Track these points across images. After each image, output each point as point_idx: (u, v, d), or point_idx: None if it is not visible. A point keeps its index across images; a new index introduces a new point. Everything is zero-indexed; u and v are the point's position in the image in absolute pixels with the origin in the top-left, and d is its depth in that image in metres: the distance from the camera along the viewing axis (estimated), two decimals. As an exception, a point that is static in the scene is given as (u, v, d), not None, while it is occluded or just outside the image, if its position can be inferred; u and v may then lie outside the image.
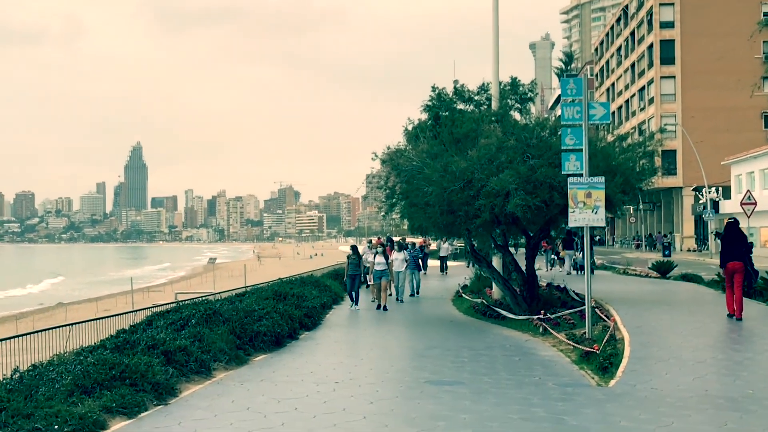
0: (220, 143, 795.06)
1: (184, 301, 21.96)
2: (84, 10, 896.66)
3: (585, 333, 15.96)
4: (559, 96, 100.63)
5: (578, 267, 36.16)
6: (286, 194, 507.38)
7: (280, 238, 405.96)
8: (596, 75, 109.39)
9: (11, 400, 10.00)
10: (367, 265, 26.90)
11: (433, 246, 51.92)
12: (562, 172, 16.62)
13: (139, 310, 23.21)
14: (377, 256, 25.01)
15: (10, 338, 16.87)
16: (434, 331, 19.67)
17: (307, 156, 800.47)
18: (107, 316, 22.12)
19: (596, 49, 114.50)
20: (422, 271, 34.36)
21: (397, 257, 26.53)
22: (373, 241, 33.08)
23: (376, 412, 10.52)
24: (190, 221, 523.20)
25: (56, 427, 9.46)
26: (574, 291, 23.67)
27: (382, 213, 25.99)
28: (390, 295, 25.34)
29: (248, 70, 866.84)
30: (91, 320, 21.07)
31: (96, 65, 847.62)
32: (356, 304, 24.85)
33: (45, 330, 18.44)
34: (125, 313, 22.76)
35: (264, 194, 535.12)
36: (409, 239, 37.68)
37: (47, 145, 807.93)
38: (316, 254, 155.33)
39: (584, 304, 17.09)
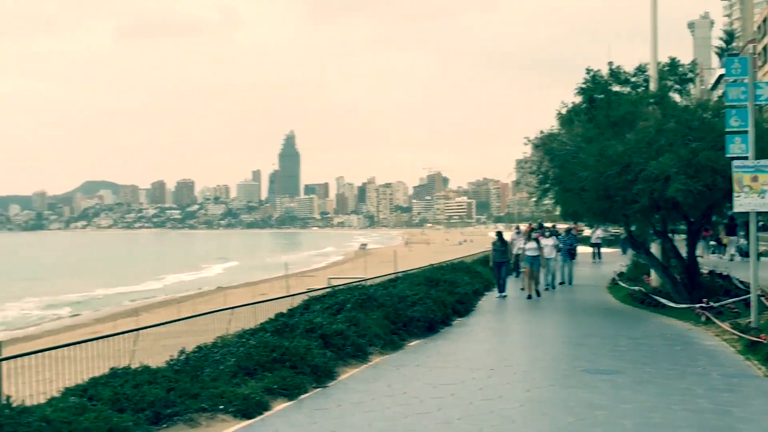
0: (370, 130, 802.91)
1: (338, 286, 22.30)
2: (241, 1, 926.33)
3: (751, 322, 15.33)
4: (720, 77, 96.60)
5: (743, 253, 34.69)
6: (434, 180, 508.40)
7: (429, 225, 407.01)
8: (759, 54, 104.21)
9: (178, 380, 10.40)
10: (518, 252, 26.48)
11: (587, 232, 50.88)
12: (726, 155, 16.01)
13: (295, 294, 23.74)
14: (528, 242, 24.59)
15: (178, 320, 17.66)
16: (589, 319, 19.31)
17: (456, 142, 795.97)
18: (266, 300, 22.72)
19: (759, 27, 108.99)
20: (573, 259, 33.64)
21: (547, 243, 25.75)
22: (522, 228, 32.60)
23: (533, 399, 10.43)
24: (341, 207, 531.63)
25: (221, 407, 9.81)
26: (738, 279, 22.71)
27: (534, 199, 25.54)
28: (539, 282, 24.84)
29: (397, 56, 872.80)
30: (251, 304, 21.71)
31: (251, 56, 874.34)
32: (504, 291, 24.50)
33: (208, 313, 19.17)
34: (283, 297, 23.29)
35: (413, 181, 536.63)
36: (559, 226, 36.95)
37: (206, 135, 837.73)
38: (464, 240, 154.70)
39: (749, 293, 16.42)
